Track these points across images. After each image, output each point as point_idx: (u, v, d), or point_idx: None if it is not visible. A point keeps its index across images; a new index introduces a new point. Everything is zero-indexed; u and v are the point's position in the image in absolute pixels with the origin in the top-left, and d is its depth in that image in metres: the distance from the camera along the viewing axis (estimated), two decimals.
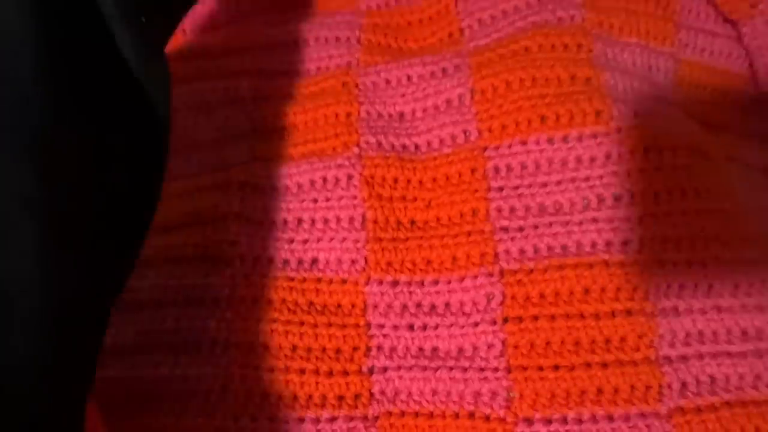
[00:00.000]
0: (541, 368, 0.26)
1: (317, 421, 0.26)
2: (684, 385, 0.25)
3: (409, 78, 0.33)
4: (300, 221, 0.31)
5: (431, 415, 0.26)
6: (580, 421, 0.25)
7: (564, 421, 0.25)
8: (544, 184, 0.29)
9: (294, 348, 0.27)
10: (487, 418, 0.26)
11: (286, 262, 0.30)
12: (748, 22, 0.34)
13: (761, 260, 0.27)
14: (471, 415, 0.26)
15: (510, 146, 0.29)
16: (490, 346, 0.27)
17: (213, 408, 0.26)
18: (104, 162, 0.22)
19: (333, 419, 0.26)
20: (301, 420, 0.26)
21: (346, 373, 0.27)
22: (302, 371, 0.27)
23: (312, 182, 0.31)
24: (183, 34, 0.39)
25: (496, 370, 0.26)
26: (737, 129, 0.35)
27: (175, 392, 0.27)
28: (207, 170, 0.33)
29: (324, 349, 0.28)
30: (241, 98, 0.35)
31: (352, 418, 0.27)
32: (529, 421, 0.25)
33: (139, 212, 0.25)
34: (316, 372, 0.27)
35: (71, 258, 0.19)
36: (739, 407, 0.25)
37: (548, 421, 0.25)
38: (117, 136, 0.24)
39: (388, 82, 0.33)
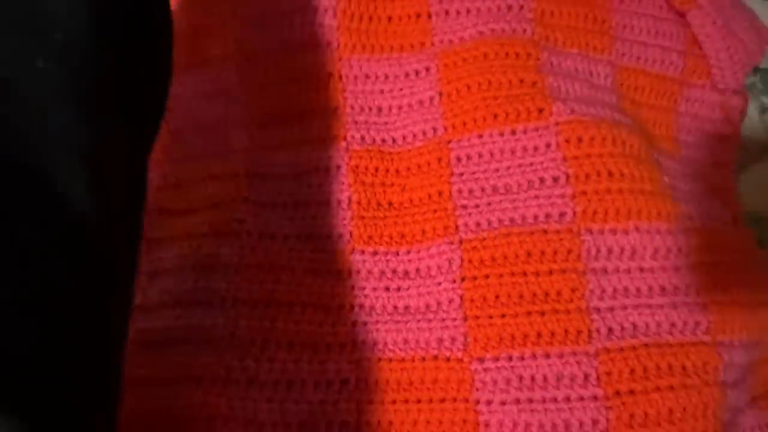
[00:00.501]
0: (491, 317, 0.33)
1: (311, 362, 0.34)
2: (610, 330, 0.32)
3: (386, 76, 0.40)
4: (297, 203, 0.38)
5: (402, 360, 0.34)
6: (522, 359, 0.32)
7: (509, 358, 0.32)
8: (497, 170, 0.36)
9: (291, 304, 0.35)
10: (448, 359, 0.33)
11: (286, 237, 0.37)
12: (693, 11, 0.42)
13: (676, 230, 0.34)
14: (435, 358, 0.33)
15: (469, 139, 0.37)
16: (450, 301, 0.34)
17: (222, 351, 0.33)
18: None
19: (323, 362, 0.34)
20: (297, 360, 0.34)
21: (333, 324, 0.35)
22: (298, 322, 0.34)
23: (308, 171, 0.39)
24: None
25: (455, 320, 0.33)
26: (670, 125, 0.42)
27: (190, 338, 0.34)
28: (217, 157, 0.41)
29: (315, 305, 0.35)
30: (235, 87, 0.41)
31: (338, 361, 0.34)
32: (481, 360, 0.32)
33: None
34: (310, 322, 0.34)
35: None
36: (655, 348, 0.32)
37: (497, 359, 0.32)
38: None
39: (367, 77, 0.40)
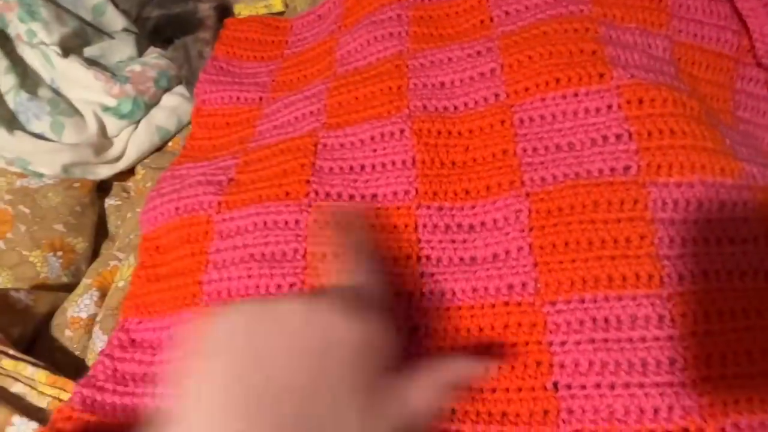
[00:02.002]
0: (561, 262, 0.37)
1: (389, 308, 0.38)
2: (681, 276, 0.36)
3: (449, 59, 0.47)
4: (363, 167, 0.44)
5: (472, 308, 0.38)
6: (594, 301, 0.36)
7: (582, 301, 0.36)
8: (560, 130, 0.41)
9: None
10: (519, 304, 0.37)
11: (351, 196, 0.42)
12: None
13: (740, 186, 0.39)
14: (505, 304, 0.37)
15: (532, 102, 0.42)
16: (519, 249, 0.38)
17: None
18: None
19: (396, 308, 0.38)
20: (392, 307, 0.38)
21: (402, 275, 0.39)
22: None
23: (372, 137, 0.44)
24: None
25: (525, 266, 0.37)
26: (728, 100, 0.48)
27: (259, 290, 0.39)
28: (287, 138, 0.48)
29: (383, 258, 0.40)
30: (318, 90, 0.51)
31: (407, 309, 0.38)
32: (553, 303, 0.36)
33: None
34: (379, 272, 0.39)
35: None
36: (730, 292, 0.35)
37: (568, 302, 0.36)
38: None
39: (432, 63, 0.48)
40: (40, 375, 0.42)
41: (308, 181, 0.43)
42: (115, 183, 0.62)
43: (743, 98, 0.49)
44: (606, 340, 0.35)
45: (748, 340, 0.34)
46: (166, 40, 0.65)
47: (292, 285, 0.38)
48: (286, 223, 0.41)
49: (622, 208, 0.38)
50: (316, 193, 0.42)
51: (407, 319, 0.38)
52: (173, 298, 0.41)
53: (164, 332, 0.41)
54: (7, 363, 0.42)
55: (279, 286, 0.38)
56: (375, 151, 0.44)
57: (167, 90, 0.63)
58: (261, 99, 0.55)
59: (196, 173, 0.49)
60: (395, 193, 0.42)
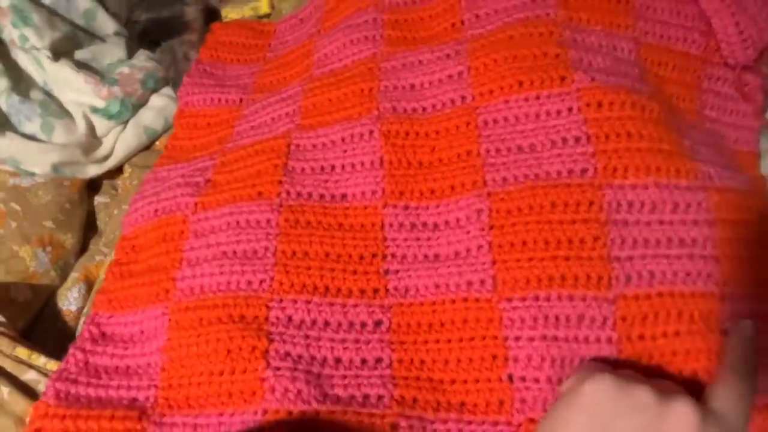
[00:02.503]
0: (518, 260, 0.39)
1: (344, 305, 0.40)
2: (628, 278, 0.38)
3: (420, 62, 0.49)
4: (333, 167, 0.46)
5: (434, 303, 0.40)
6: (548, 299, 0.37)
7: (536, 298, 0.38)
8: (522, 131, 0.43)
9: (327, 254, 0.42)
10: (477, 300, 0.39)
11: (322, 196, 0.45)
12: None
13: (695, 187, 0.41)
14: (464, 299, 0.39)
15: (496, 105, 0.44)
16: (479, 247, 0.40)
17: (260, 293, 0.40)
18: None
19: (356, 305, 0.40)
20: (332, 304, 0.40)
21: (366, 272, 0.41)
22: (333, 270, 0.41)
23: (343, 138, 0.47)
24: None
25: (484, 264, 0.39)
26: (694, 100, 0.49)
27: (231, 286, 0.41)
28: (262, 139, 0.50)
29: (350, 255, 0.42)
30: (294, 92, 0.53)
31: (371, 305, 0.40)
32: (509, 300, 0.38)
33: None
34: (344, 271, 0.41)
35: None
36: (669, 296, 0.37)
37: (524, 299, 0.38)
38: None
39: (404, 65, 0.50)
40: (52, 364, 0.44)
41: (280, 182, 0.45)
42: (105, 181, 0.65)
43: (710, 97, 0.50)
44: (556, 338, 0.37)
45: (677, 343, 0.36)
46: (154, 42, 0.67)
47: (261, 281, 0.40)
48: (258, 222, 0.43)
49: (578, 209, 0.39)
50: (288, 193, 0.45)
51: (371, 313, 0.40)
52: (146, 293, 0.44)
53: (135, 326, 0.43)
54: (22, 351, 0.44)
55: (249, 282, 0.41)
56: (345, 151, 0.46)
57: (155, 91, 0.65)
58: (241, 100, 0.58)
59: (176, 175, 0.51)
60: (363, 193, 0.44)
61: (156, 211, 0.49)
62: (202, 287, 0.42)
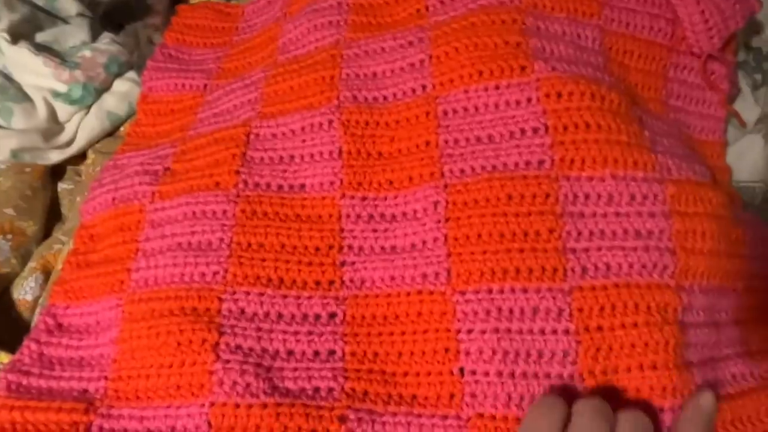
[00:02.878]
0: (473, 253, 0.39)
1: (298, 297, 0.40)
2: (584, 269, 0.38)
3: (383, 49, 0.49)
4: (292, 157, 0.46)
5: (389, 295, 0.40)
6: (501, 292, 0.38)
7: (489, 291, 0.38)
8: (480, 122, 0.43)
9: (283, 246, 0.42)
10: (431, 293, 0.39)
11: (280, 186, 0.45)
12: None
13: (652, 179, 0.41)
14: (419, 292, 0.39)
15: (455, 95, 0.44)
16: (435, 240, 0.40)
17: (213, 285, 0.40)
18: None
19: (310, 297, 0.40)
20: (285, 296, 0.40)
21: (322, 264, 0.41)
22: (288, 261, 0.41)
23: (302, 128, 0.46)
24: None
25: (438, 256, 0.39)
26: (659, 89, 0.49)
27: (184, 278, 0.41)
28: (222, 127, 0.49)
29: (306, 247, 0.42)
30: (257, 78, 0.53)
31: (325, 297, 0.40)
32: (463, 293, 0.38)
33: None
34: (299, 262, 0.41)
35: None
36: (624, 288, 0.37)
37: (477, 292, 0.38)
38: None
39: (366, 53, 0.49)
40: (3, 356, 0.44)
41: (238, 172, 0.45)
42: (69, 167, 0.64)
43: (676, 86, 0.50)
44: (509, 330, 0.37)
45: (634, 335, 0.36)
46: (118, 25, 0.66)
47: (215, 273, 0.40)
48: (214, 213, 0.43)
49: (534, 201, 0.39)
50: (245, 183, 0.44)
51: (325, 305, 0.40)
52: (102, 284, 0.44)
53: (91, 317, 0.43)
54: None
55: (203, 274, 0.41)
56: (304, 141, 0.46)
57: (118, 75, 0.64)
58: (206, 86, 0.57)
59: (136, 162, 0.51)
60: (321, 184, 0.44)
61: (114, 199, 0.48)
62: (156, 279, 0.42)
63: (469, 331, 0.37)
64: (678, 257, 0.38)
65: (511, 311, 0.37)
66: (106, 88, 0.63)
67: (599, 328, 0.37)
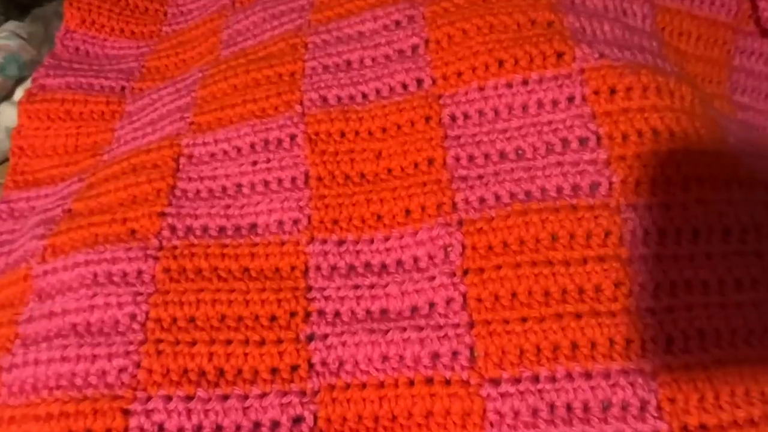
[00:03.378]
0: (507, 321, 0.27)
1: (244, 398, 0.27)
2: (670, 339, 0.27)
3: (360, 33, 0.37)
4: (239, 186, 0.33)
5: (381, 385, 0.27)
6: (553, 380, 0.26)
7: (535, 379, 0.26)
8: (504, 131, 0.31)
9: (223, 318, 0.29)
10: (448, 382, 0.27)
11: (222, 229, 0.32)
12: None
13: (753, 200, 0.29)
14: (429, 381, 0.27)
15: (467, 93, 0.32)
16: (449, 301, 0.28)
17: (118, 389, 0.27)
18: None
19: (263, 395, 0.27)
20: (226, 398, 0.27)
21: (280, 341, 0.28)
22: (229, 342, 0.28)
23: (252, 145, 0.34)
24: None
25: (456, 326, 0.27)
26: (723, 82, 0.38)
27: (74, 384, 0.28)
28: (142, 149, 0.36)
29: (257, 317, 0.29)
30: (192, 80, 0.40)
31: (286, 393, 0.27)
32: (495, 382, 0.26)
33: None
34: (246, 342, 0.28)
35: None
36: (731, 364, 0.26)
37: (517, 381, 0.26)
38: None
39: (338, 38, 0.37)
40: None
41: (162, 214, 0.32)
42: None
43: (742, 78, 0.40)
44: None
45: None
46: (25, 10, 0.52)
47: (121, 371, 0.27)
48: (125, 275, 0.30)
49: (589, 243, 0.29)
50: (173, 229, 0.32)
51: (286, 407, 0.27)
52: None
53: None
54: None
55: (103, 373, 0.27)
56: (255, 164, 0.33)
57: (21, 80, 0.51)
58: (123, 89, 0.44)
59: (39, 209, 0.37)
60: (280, 223, 0.32)
61: (6, 265, 0.35)
62: (35, 383, 0.28)
63: None
64: None
65: (569, 408, 0.26)
66: (4, 96, 0.50)
67: (703, 428, 0.26)
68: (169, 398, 0.27)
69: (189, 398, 0.27)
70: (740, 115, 0.39)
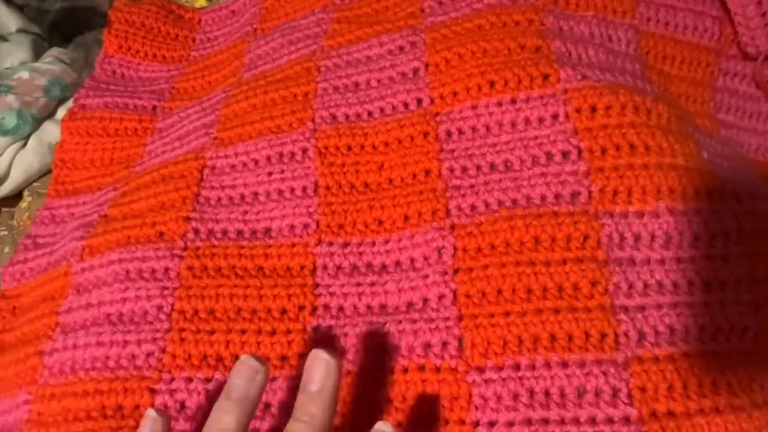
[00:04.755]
0: (492, 315, 0.30)
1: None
2: (642, 334, 0.29)
3: (368, 58, 0.40)
4: (256, 195, 0.37)
5: (378, 372, 0.30)
6: (533, 368, 0.29)
7: (517, 367, 0.29)
8: (494, 145, 0.34)
9: (239, 310, 0.32)
10: (438, 370, 0.30)
11: (239, 232, 0.35)
12: None
13: (722, 212, 0.32)
14: (421, 368, 0.30)
15: (461, 111, 0.35)
16: (441, 297, 0.31)
17: (146, 371, 0.30)
18: None
19: (274, 379, 0.31)
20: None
21: (289, 332, 0.32)
22: (244, 332, 0.32)
23: (268, 158, 0.37)
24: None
25: (447, 319, 0.30)
26: (706, 101, 0.41)
27: (105, 375, 0.31)
28: (170, 161, 0.40)
29: (269, 310, 0.32)
30: (216, 100, 0.44)
31: (294, 378, 0.31)
32: (480, 370, 0.29)
33: None
34: (259, 332, 0.32)
35: None
36: (698, 357, 0.29)
37: (500, 368, 0.29)
38: None
39: (348, 62, 0.40)
40: None
41: (187, 218, 0.36)
42: (3, 209, 0.55)
43: (726, 98, 0.42)
44: (546, 421, 0.28)
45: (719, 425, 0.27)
46: (68, 37, 0.57)
47: (148, 355, 0.31)
48: (153, 272, 0.34)
49: (569, 246, 0.31)
50: (196, 232, 0.35)
51: (294, 389, 0.30)
52: (14, 374, 0.34)
53: (1, 419, 0.33)
54: None
55: (132, 357, 0.31)
56: (271, 174, 0.37)
57: (63, 101, 0.55)
58: (155, 108, 0.48)
59: (78, 215, 0.41)
60: (291, 227, 0.35)
61: (48, 264, 0.39)
62: (73, 365, 0.32)
63: (492, 424, 0.28)
64: (762, 314, 0.30)
65: (547, 394, 0.28)
66: (47, 115, 0.55)
67: (671, 414, 0.28)
68: (190, 380, 0.30)
69: (207, 380, 0.30)
70: (724, 133, 0.41)
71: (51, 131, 0.54)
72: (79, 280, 0.35)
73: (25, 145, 0.53)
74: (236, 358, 0.31)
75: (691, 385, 0.28)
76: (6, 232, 0.53)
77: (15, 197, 0.55)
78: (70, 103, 0.55)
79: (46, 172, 0.54)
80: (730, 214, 0.32)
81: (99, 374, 0.31)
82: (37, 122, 0.54)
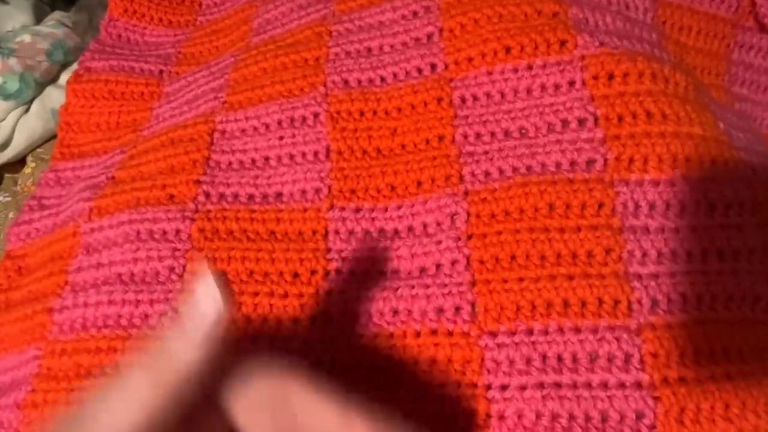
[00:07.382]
0: (505, 281, 0.30)
1: (273, 339, 0.31)
2: (655, 302, 0.29)
3: (380, 23, 0.40)
4: (267, 159, 0.36)
5: (391, 336, 0.31)
6: (546, 333, 0.29)
7: (529, 332, 0.29)
8: (509, 111, 0.34)
9: (251, 273, 0.32)
10: (450, 334, 0.30)
11: (251, 197, 0.35)
12: None
13: (738, 181, 0.32)
14: (433, 332, 0.30)
15: (476, 77, 0.35)
16: (454, 263, 0.31)
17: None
18: None
19: (288, 339, 0.31)
20: (255, 340, 0.31)
21: (301, 295, 0.32)
22: (256, 294, 0.32)
23: (279, 122, 0.37)
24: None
25: (460, 284, 0.30)
26: (721, 74, 0.40)
27: (118, 332, 0.32)
28: (179, 125, 0.40)
29: (281, 273, 0.32)
30: (225, 64, 0.44)
31: (307, 340, 0.31)
32: (493, 334, 0.29)
33: None
34: (271, 294, 0.32)
35: None
36: (710, 325, 0.29)
37: (513, 333, 0.29)
38: None
39: (360, 27, 0.40)
40: None
41: (198, 182, 0.36)
42: (6, 175, 0.54)
43: (741, 71, 0.42)
44: (559, 385, 0.28)
45: (730, 392, 0.28)
46: (70, 1, 0.56)
47: (162, 314, 0.31)
48: (164, 233, 0.34)
49: (584, 213, 0.31)
50: (207, 195, 0.35)
51: (307, 352, 0.30)
52: (21, 331, 0.34)
53: (7, 376, 0.33)
54: None
55: (145, 316, 0.31)
56: (282, 139, 0.36)
57: (66, 65, 0.55)
58: (161, 72, 0.48)
59: (85, 176, 0.41)
60: (303, 192, 0.35)
61: (54, 225, 0.39)
62: (84, 322, 0.32)
63: (504, 388, 0.28)
64: None
65: (560, 359, 0.29)
66: (49, 80, 0.54)
67: (682, 380, 0.28)
68: None
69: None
70: (737, 106, 0.41)
71: (54, 96, 0.54)
72: (88, 240, 0.35)
73: (28, 110, 0.53)
74: (248, 320, 0.31)
75: (703, 352, 0.28)
76: (10, 198, 0.53)
77: (18, 163, 0.55)
78: (73, 68, 0.55)
79: (50, 138, 0.54)
80: (746, 184, 0.32)
81: (112, 332, 0.31)
82: (40, 87, 0.54)
